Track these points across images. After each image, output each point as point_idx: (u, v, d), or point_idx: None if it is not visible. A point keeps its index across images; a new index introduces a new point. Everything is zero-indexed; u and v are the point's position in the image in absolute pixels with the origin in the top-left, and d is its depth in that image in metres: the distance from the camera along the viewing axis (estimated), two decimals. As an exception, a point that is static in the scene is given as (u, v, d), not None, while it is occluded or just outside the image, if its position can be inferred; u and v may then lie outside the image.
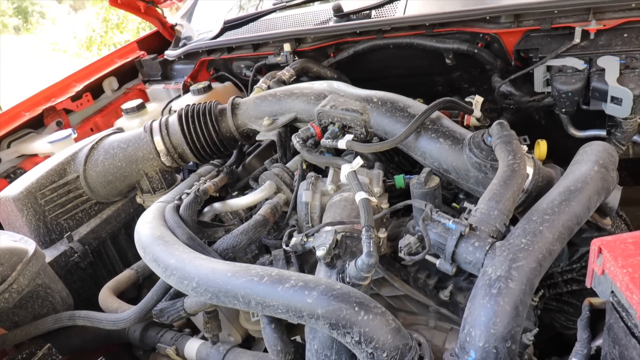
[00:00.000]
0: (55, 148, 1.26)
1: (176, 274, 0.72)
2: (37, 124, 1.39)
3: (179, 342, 0.93)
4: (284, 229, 0.90)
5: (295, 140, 0.93)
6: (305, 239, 0.73)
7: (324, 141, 0.91)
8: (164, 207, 0.91)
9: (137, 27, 6.32)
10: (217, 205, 0.95)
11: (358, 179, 0.76)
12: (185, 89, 1.48)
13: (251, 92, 1.29)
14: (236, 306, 0.66)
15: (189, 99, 1.39)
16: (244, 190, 1.07)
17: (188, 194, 0.94)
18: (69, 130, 1.30)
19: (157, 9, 1.62)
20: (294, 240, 0.73)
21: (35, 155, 1.35)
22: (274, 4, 1.45)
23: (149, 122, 1.11)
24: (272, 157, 1.09)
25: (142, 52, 1.67)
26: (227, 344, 0.90)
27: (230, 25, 1.46)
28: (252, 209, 1.00)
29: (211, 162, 1.17)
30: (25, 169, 1.32)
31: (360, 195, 0.72)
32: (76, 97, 1.43)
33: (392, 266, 0.84)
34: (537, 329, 0.68)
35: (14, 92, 6.53)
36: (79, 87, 1.45)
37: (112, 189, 1.12)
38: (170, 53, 1.55)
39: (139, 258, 1.15)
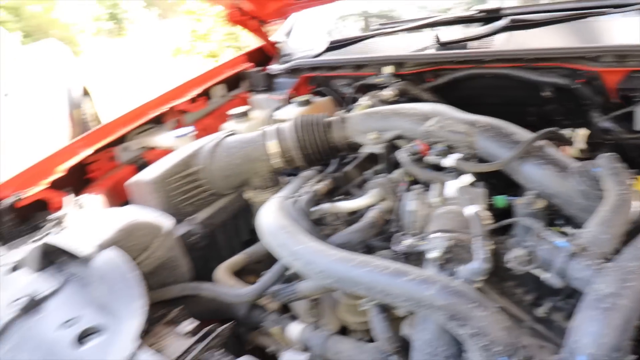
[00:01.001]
0: (177, 142, 1.43)
1: (302, 259, 0.83)
2: (157, 121, 1.58)
3: (282, 324, 1.04)
4: (386, 233, 1.01)
5: (402, 155, 1.03)
6: (417, 242, 0.82)
7: (430, 158, 1.00)
8: (282, 202, 1.03)
9: (220, 40, 6.72)
10: (325, 205, 1.06)
11: (468, 194, 0.85)
12: (288, 101, 1.62)
13: (348, 108, 1.41)
14: (357, 292, 0.76)
15: (292, 110, 1.53)
16: (345, 196, 1.18)
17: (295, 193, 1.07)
18: (191, 128, 1.47)
19: (264, 27, 1.78)
20: (406, 242, 0.83)
21: (155, 148, 1.53)
22: (374, 29, 1.58)
23: (264, 127, 1.25)
24: (373, 169, 1.20)
25: (249, 64, 1.84)
26: (328, 330, 1.00)
27: (334, 46, 1.60)
28: (353, 214, 1.11)
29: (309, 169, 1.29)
30: (146, 158, 1.51)
31: (472, 208, 0.80)
32: (193, 100, 1.61)
33: (489, 279, 0.91)
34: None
35: (109, 90, 7.12)
36: (196, 91, 1.63)
37: (227, 182, 1.26)
38: (274, 67, 1.71)
39: (244, 246, 1.29)
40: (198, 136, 1.46)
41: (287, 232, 0.89)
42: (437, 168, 1.06)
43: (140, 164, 1.47)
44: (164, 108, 1.54)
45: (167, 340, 0.83)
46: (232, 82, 1.82)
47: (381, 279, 0.73)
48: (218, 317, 1.16)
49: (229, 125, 1.61)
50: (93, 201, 1.27)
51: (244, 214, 1.36)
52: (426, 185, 1.04)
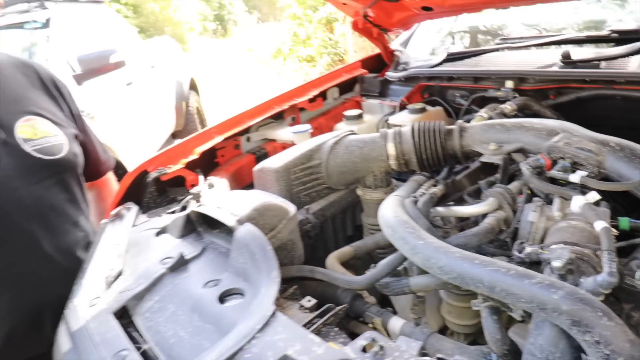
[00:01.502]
0: (296, 138, 1.54)
1: (423, 253, 0.88)
2: (278, 116, 1.70)
3: (384, 317, 1.09)
4: (498, 241, 1.03)
5: (525, 167, 1.04)
6: (540, 250, 0.84)
7: (554, 172, 1.01)
8: (400, 201, 1.09)
9: (319, 45, 6.94)
10: (440, 209, 1.10)
11: (593, 211, 0.85)
12: (401, 107, 1.68)
13: (465, 118, 1.44)
14: (477, 289, 0.80)
15: (405, 117, 1.59)
16: (456, 202, 1.21)
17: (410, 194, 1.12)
18: (308, 126, 1.57)
19: (386, 35, 1.86)
20: (529, 250, 0.85)
21: (274, 140, 1.66)
22: (496, 43, 1.59)
23: (384, 129, 1.32)
24: (487, 179, 1.22)
25: (364, 70, 1.92)
26: (429, 328, 1.04)
27: (452, 58, 1.63)
28: (463, 220, 1.14)
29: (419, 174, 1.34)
30: (266, 149, 1.64)
31: (600, 224, 0.81)
32: (311, 100, 1.72)
33: (606, 299, 0.90)
34: None
35: (212, 86, 7.61)
36: (315, 92, 1.74)
37: (343, 178, 1.34)
38: (391, 74, 1.78)
39: (348, 240, 1.37)
40: (313, 134, 1.56)
41: (408, 227, 0.94)
42: (557, 184, 1.06)
43: (260, 154, 1.60)
44: (285, 105, 1.66)
45: (290, 311, 0.92)
46: (346, 86, 1.91)
47: (505, 279, 0.76)
48: (322, 303, 1.25)
49: (342, 126, 1.70)
50: (220, 183, 1.41)
51: (352, 210, 1.43)
52: (545, 198, 1.04)
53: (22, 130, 1.08)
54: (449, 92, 1.65)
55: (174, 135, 4.91)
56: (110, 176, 1.45)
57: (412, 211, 1.02)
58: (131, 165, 3.49)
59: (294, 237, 1.16)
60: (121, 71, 3.47)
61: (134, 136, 3.72)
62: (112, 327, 0.84)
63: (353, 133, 1.39)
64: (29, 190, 1.07)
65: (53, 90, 1.23)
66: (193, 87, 5.56)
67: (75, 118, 1.28)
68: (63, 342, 0.87)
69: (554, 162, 1.04)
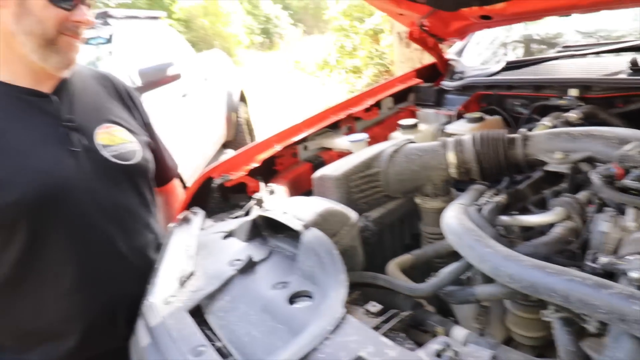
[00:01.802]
0: (352, 146, 1.57)
1: (491, 262, 0.87)
2: (334, 126, 1.73)
3: (446, 326, 1.08)
4: (565, 252, 1.00)
5: (595, 177, 1.02)
6: (616, 261, 0.82)
7: (627, 182, 0.97)
8: (464, 209, 1.08)
9: (364, 56, 6.98)
10: (505, 218, 1.09)
11: (675, 222, 0.82)
12: (458, 116, 1.67)
13: (528, 127, 1.42)
14: (550, 299, 0.78)
15: (463, 126, 1.58)
16: (520, 212, 1.19)
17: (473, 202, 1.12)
18: (365, 135, 1.59)
19: (441, 45, 1.86)
20: (604, 260, 0.83)
21: (331, 149, 1.69)
22: (557, 51, 1.56)
23: (444, 138, 1.32)
24: (553, 189, 1.19)
25: (419, 80, 1.93)
26: (494, 339, 1.02)
27: (512, 66, 1.62)
28: (528, 230, 1.12)
29: (479, 183, 1.33)
30: (322, 158, 1.67)
31: (684, 235, 0.78)
32: (367, 109, 1.74)
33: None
34: None
35: (260, 98, 7.80)
36: (370, 101, 1.76)
37: (402, 186, 1.35)
38: (448, 84, 1.78)
39: (405, 249, 1.37)
40: (369, 143, 1.58)
41: (474, 235, 0.94)
42: (629, 193, 1.03)
43: (317, 162, 1.63)
44: (341, 115, 1.69)
45: (356, 315, 0.93)
46: (400, 96, 1.92)
47: (581, 289, 0.74)
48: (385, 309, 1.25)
49: (397, 135, 1.71)
50: (280, 189, 1.45)
51: (410, 218, 1.44)
52: (617, 208, 1.01)
53: (101, 137, 1.16)
54: (508, 100, 1.63)
55: (225, 145, 5.06)
56: (176, 182, 1.52)
57: (478, 219, 1.02)
58: (186, 172, 3.61)
59: (355, 243, 1.18)
60: (177, 83, 3.63)
61: (189, 145, 3.86)
62: (188, 324, 0.88)
63: (412, 141, 1.40)
64: (107, 192, 1.14)
65: (127, 100, 1.31)
66: (242, 98, 5.72)
67: (147, 126, 1.35)
68: (142, 336, 0.92)
69: (627, 171, 1.01)
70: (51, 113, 1.09)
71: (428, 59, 4.46)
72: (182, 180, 3.15)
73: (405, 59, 5.90)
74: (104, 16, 3.65)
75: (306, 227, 1.02)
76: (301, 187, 1.57)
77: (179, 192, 1.51)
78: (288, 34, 18.17)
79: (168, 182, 1.47)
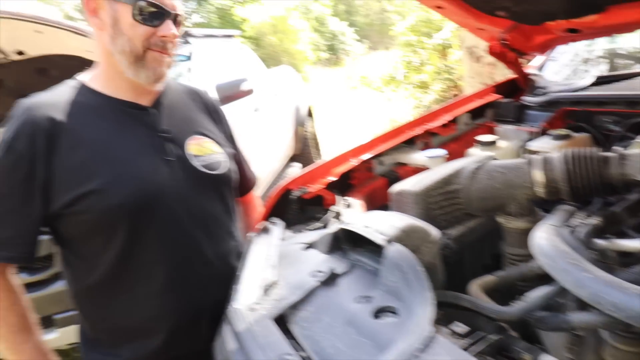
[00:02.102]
0: (430, 162, 1.55)
1: (591, 287, 0.82)
2: (409, 141, 1.72)
3: (534, 353, 1.03)
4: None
5: None
6: None
7: None
8: (555, 230, 1.03)
9: (432, 71, 6.89)
10: (602, 241, 1.02)
11: None
12: (542, 133, 1.61)
13: (614, 145, 1.33)
14: (662, 331, 0.73)
15: (548, 143, 1.51)
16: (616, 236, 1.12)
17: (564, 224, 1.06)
18: (444, 151, 1.57)
19: (523, 60, 1.80)
20: None
21: (406, 164, 1.68)
22: (655, 66, 1.46)
23: (529, 155, 1.27)
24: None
25: (498, 95, 1.88)
26: (588, 369, 0.96)
27: (602, 81, 1.53)
28: (627, 255, 1.04)
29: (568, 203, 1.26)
30: (398, 173, 1.67)
31: None
32: (444, 125, 1.72)
33: None
34: None
35: (326, 113, 7.91)
36: (447, 117, 1.74)
37: (483, 205, 1.31)
38: (530, 99, 1.72)
39: (486, 269, 1.32)
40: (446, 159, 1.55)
41: (570, 258, 0.89)
42: None
43: (393, 177, 1.63)
44: (417, 130, 1.68)
45: (442, 335, 0.91)
46: (477, 111, 1.88)
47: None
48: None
49: (475, 152, 1.67)
50: (356, 203, 1.46)
51: (491, 238, 1.39)
52: None
53: (191, 147, 1.23)
54: (598, 117, 1.55)
55: (292, 159, 5.16)
56: (254, 193, 1.57)
57: (572, 242, 0.97)
58: (260, 185, 3.71)
59: (436, 261, 1.16)
60: (250, 98, 3.76)
61: (260, 158, 3.98)
62: (273, 332, 0.90)
63: (494, 158, 1.36)
64: (196, 199, 1.21)
65: (214, 114, 1.38)
66: (310, 113, 5.82)
67: (231, 139, 1.42)
68: (229, 340, 0.95)
69: None
70: (149, 124, 1.18)
71: (499, 73, 4.35)
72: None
73: (475, 74, 5.76)
74: (185, 35, 3.87)
75: (389, 242, 1.01)
76: (376, 202, 1.57)
77: (256, 203, 1.56)
78: (353, 50, 18.35)
79: (247, 193, 1.52)
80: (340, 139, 7.76)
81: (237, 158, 1.41)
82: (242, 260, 1.22)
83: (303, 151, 5.35)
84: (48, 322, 2.28)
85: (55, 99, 1.11)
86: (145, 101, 1.19)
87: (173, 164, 1.17)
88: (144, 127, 1.17)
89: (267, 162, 4.23)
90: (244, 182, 1.46)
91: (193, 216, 1.20)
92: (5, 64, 2.54)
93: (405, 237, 1.06)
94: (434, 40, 6.58)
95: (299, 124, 5.37)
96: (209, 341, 1.05)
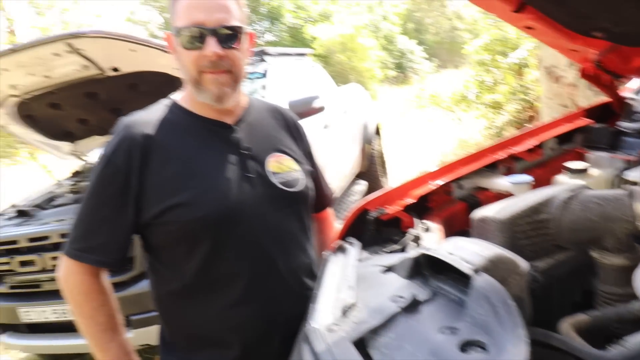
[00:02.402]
0: (514, 188, 1.48)
1: None
2: (491, 165, 1.66)
3: (634, 403, 0.94)
4: None
5: None
6: None
7: None
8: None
9: (506, 91, 6.65)
10: None
11: None
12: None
13: None
14: None
15: (648, 173, 1.40)
16: None
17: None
18: (529, 177, 1.50)
19: (618, 83, 1.69)
20: None
21: (487, 189, 1.61)
22: None
23: (630, 186, 1.18)
24: None
25: (589, 120, 1.77)
26: None
27: None
28: None
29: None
30: (479, 198, 1.61)
31: None
32: (530, 150, 1.64)
33: None
34: None
35: (394, 132, 7.85)
36: (533, 141, 1.66)
37: (575, 237, 1.23)
38: (627, 125, 1.60)
39: (575, 307, 1.23)
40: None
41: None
42: None
43: (473, 202, 1.57)
44: (501, 154, 1.61)
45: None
46: (565, 136, 1.78)
47: None
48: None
49: (562, 179, 1.57)
50: (435, 227, 1.42)
51: (582, 273, 1.29)
52: None
53: (271, 164, 1.25)
54: None
55: (358, 176, 5.15)
56: (330, 211, 1.57)
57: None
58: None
59: (523, 295, 1.10)
60: (320, 115, 3.81)
61: (328, 174, 4.01)
62: (353, 355, 0.89)
63: (587, 187, 1.28)
64: (273, 216, 1.23)
65: (294, 131, 1.41)
66: (377, 131, 5.80)
67: (309, 156, 1.43)
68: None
69: None
70: (232, 142, 1.22)
71: (581, 95, 4.12)
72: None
73: (553, 95, 5.49)
74: (261, 54, 4.02)
75: (476, 271, 0.97)
76: (455, 226, 1.52)
77: (331, 221, 1.56)
78: (422, 68, 18.17)
79: (324, 210, 1.53)
80: (407, 158, 7.67)
81: (315, 175, 1.43)
82: (318, 279, 1.22)
83: (369, 169, 5.33)
84: (125, 322, 2.40)
85: (150, 117, 1.19)
86: (228, 119, 1.24)
87: (253, 181, 1.21)
88: (227, 145, 1.22)
89: (334, 179, 4.25)
90: (320, 199, 1.47)
91: (270, 232, 1.22)
92: (100, 79, 2.75)
93: (493, 267, 1.01)
94: (509, 59, 6.36)
95: (367, 141, 5.37)
96: (281, 357, 1.06)
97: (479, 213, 1.33)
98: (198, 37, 1.09)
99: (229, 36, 1.12)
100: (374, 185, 5.31)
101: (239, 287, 1.20)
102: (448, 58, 20.26)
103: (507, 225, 1.24)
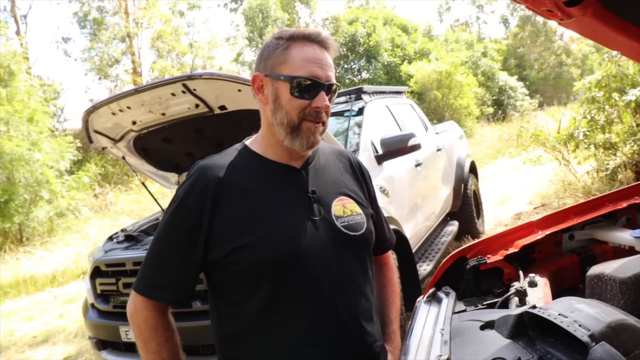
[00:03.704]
0: (637, 243, 1.31)
1: None
2: (609, 215, 1.49)
3: None
4: None
5: None
6: None
7: None
8: None
9: (622, 131, 6.08)
10: None
11: None
12: None
13: None
14: None
15: None
16: None
17: None
18: (657, 232, 1.32)
19: None
20: None
21: (605, 242, 1.45)
22: None
23: None
24: None
25: None
26: None
27: None
28: None
29: None
30: (594, 251, 1.45)
31: None
32: (656, 201, 1.45)
33: None
34: None
35: (491, 173, 7.43)
36: (659, 191, 1.47)
37: None
38: None
39: None
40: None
41: None
42: None
43: (586, 256, 1.42)
44: (622, 204, 1.45)
45: None
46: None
47: None
48: None
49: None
50: (542, 282, 1.29)
51: None
52: None
53: (336, 208, 1.23)
54: None
55: (449, 215, 4.95)
56: (390, 254, 1.51)
57: None
58: (412, 240, 3.60)
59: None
60: (414, 153, 3.74)
61: (417, 213, 3.90)
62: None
63: None
64: (335, 260, 1.20)
65: (359, 175, 1.39)
66: (472, 170, 5.57)
67: (372, 199, 1.39)
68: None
69: None
70: (300, 185, 1.23)
71: None
72: (408, 246, 3.18)
73: (681, 136, 4.90)
74: (358, 92, 4.08)
75: (594, 339, 0.86)
76: (564, 282, 1.38)
77: (392, 264, 1.50)
78: (523, 105, 17.32)
79: (384, 253, 1.46)
80: (506, 200, 7.24)
81: (377, 218, 1.38)
82: (409, 327, 1.16)
83: (462, 209, 5.10)
84: (209, 349, 2.44)
85: (223, 161, 1.20)
86: (297, 164, 1.25)
87: (318, 224, 1.20)
88: (295, 188, 1.22)
89: (425, 217, 4.12)
90: (381, 242, 1.42)
91: (331, 276, 1.19)
92: (209, 116, 2.96)
93: (614, 335, 0.88)
94: (627, 97, 5.83)
95: (461, 180, 5.16)
96: None
97: (595, 269, 1.19)
98: (311, 88, 1.16)
99: (332, 92, 1.20)
100: (466, 227, 5.05)
101: (300, 330, 1.17)
102: (553, 94, 19.13)
103: (630, 286, 1.09)
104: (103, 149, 3.40)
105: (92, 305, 2.99)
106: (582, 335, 0.86)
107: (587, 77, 6.88)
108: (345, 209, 1.26)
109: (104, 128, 3.14)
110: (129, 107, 2.85)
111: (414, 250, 3.56)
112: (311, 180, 1.25)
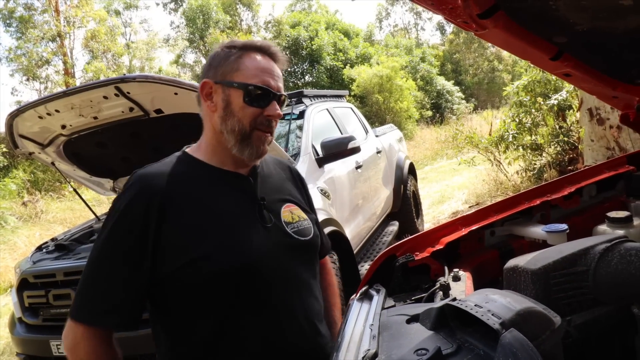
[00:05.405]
0: (550, 237, 1.42)
1: None
2: (525, 212, 1.61)
3: None
4: None
5: None
6: None
7: None
8: None
9: (546, 133, 6.51)
10: None
11: None
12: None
13: None
14: None
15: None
16: None
17: None
18: (565, 225, 1.44)
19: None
20: None
21: (522, 237, 1.56)
22: None
23: (673, 240, 1.11)
24: None
25: (631, 167, 1.70)
26: None
27: None
28: None
29: None
30: (512, 246, 1.55)
31: None
32: (567, 197, 1.58)
33: None
34: None
35: (428, 173, 7.74)
36: (571, 188, 1.60)
37: (615, 292, 1.17)
38: (670, 173, 1.53)
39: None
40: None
41: None
42: None
43: (505, 250, 1.52)
44: (536, 201, 1.57)
45: None
46: (605, 183, 1.72)
47: None
48: None
49: (603, 229, 1.51)
50: (465, 276, 1.37)
51: (621, 329, 1.22)
52: None
53: (284, 214, 1.25)
54: None
55: (390, 216, 5.10)
56: (328, 258, 1.55)
57: None
58: (353, 241, 3.66)
59: (557, 352, 1.04)
60: (355, 155, 3.83)
61: (358, 214, 3.99)
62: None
63: (627, 239, 1.22)
64: (289, 265, 1.21)
65: (299, 183, 1.42)
66: (411, 171, 5.77)
67: (311, 207, 1.43)
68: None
69: None
70: (249, 192, 1.22)
71: (626, 138, 3.99)
72: (349, 247, 3.24)
73: (597, 137, 5.33)
74: (299, 95, 4.12)
75: (504, 326, 0.93)
76: (485, 275, 1.47)
77: (329, 269, 1.54)
78: (459, 109, 18.11)
79: (323, 257, 1.50)
80: (441, 199, 7.54)
81: (317, 224, 1.41)
82: (342, 325, 1.19)
83: (402, 209, 5.27)
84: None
85: (165, 169, 1.15)
86: (243, 171, 1.24)
87: (270, 230, 1.20)
88: (245, 195, 1.21)
89: (366, 218, 4.22)
90: (321, 248, 1.45)
91: (287, 281, 1.20)
92: (144, 120, 2.88)
93: (523, 323, 0.96)
94: (550, 101, 6.26)
95: (401, 182, 5.33)
96: None
97: (511, 262, 1.29)
98: (264, 97, 1.16)
99: (282, 102, 1.21)
100: (407, 226, 5.22)
101: (258, 339, 1.14)
102: (487, 99, 20.12)
103: (540, 276, 1.18)
104: (30, 154, 3.21)
105: (20, 319, 2.82)
106: (494, 323, 0.93)
107: (515, 82, 7.32)
108: (293, 215, 1.27)
109: (31, 132, 2.97)
110: (57, 111, 2.72)
111: (355, 251, 3.64)
112: (259, 187, 1.25)
